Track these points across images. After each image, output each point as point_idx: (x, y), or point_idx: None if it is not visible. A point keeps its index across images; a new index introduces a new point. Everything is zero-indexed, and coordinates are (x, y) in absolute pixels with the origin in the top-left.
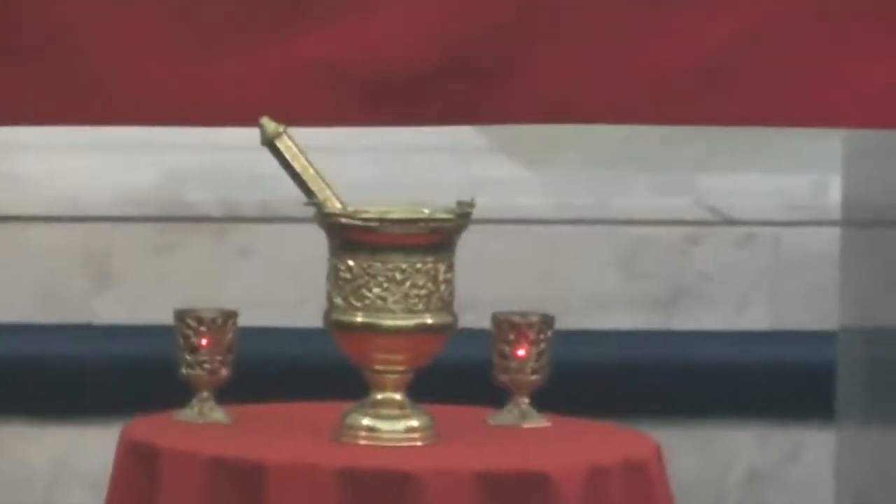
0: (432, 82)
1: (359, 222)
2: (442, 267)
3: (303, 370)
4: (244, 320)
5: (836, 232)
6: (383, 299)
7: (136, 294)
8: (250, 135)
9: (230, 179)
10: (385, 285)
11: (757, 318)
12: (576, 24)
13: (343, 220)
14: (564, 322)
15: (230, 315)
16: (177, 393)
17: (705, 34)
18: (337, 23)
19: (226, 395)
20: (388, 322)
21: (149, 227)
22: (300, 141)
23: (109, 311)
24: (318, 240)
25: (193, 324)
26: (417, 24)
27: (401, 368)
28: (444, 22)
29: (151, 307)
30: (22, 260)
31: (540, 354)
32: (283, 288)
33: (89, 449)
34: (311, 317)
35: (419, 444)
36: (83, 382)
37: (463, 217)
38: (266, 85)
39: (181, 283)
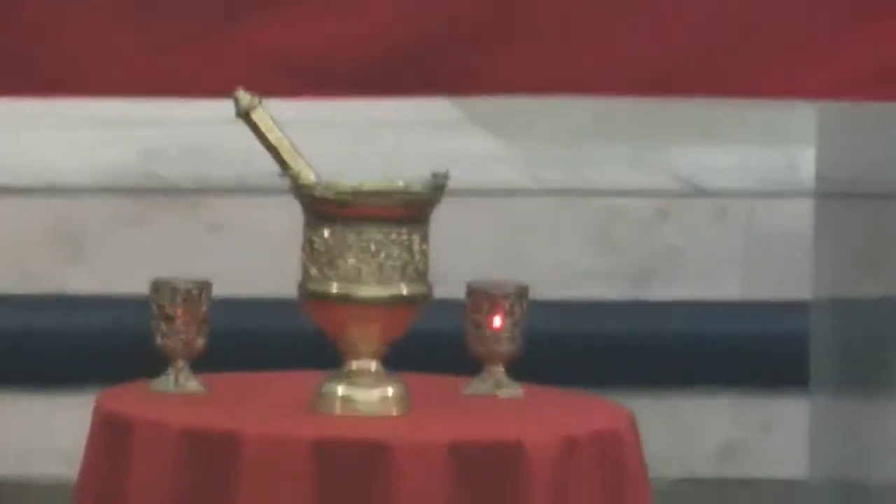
0: (407, 55)
1: (333, 195)
2: (416, 238)
3: (278, 340)
4: (219, 292)
5: (809, 204)
6: (358, 270)
7: (109, 267)
8: (223, 109)
9: (203, 153)
10: (360, 256)
11: (730, 290)
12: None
13: (317, 192)
14: (538, 293)
15: (205, 286)
16: (151, 364)
17: (681, 8)
18: None
19: (201, 365)
20: (363, 293)
21: (122, 200)
22: (274, 115)
23: (82, 283)
24: (292, 212)
25: (169, 294)
26: None
27: (375, 338)
28: None
29: (124, 280)
30: None
31: (514, 325)
32: (257, 260)
33: (63, 420)
34: (285, 288)
35: (394, 413)
36: (56, 354)
37: (437, 189)
38: (236, 62)
39: (154, 256)
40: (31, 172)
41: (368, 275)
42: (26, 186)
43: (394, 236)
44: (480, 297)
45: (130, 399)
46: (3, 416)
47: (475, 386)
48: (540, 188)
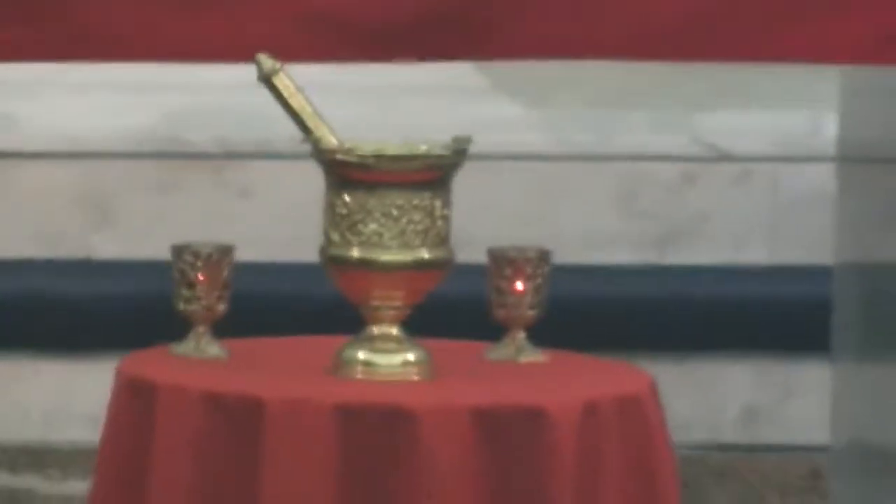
0: (431, 20)
1: (355, 159)
2: (438, 203)
3: (299, 306)
4: (241, 256)
5: (832, 168)
6: (380, 235)
7: (135, 232)
8: (248, 73)
9: (228, 118)
10: (382, 221)
11: (754, 255)
12: None
13: (339, 156)
14: (561, 258)
15: (227, 250)
16: (174, 328)
17: None
18: None
19: (222, 330)
20: (385, 257)
21: (147, 165)
22: (296, 80)
23: (107, 248)
24: (315, 177)
25: (190, 259)
26: None
27: (397, 304)
28: None
29: (149, 245)
30: (21, 197)
31: (537, 289)
32: (281, 224)
33: (86, 385)
34: (307, 253)
35: (415, 378)
36: (81, 318)
37: (459, 153)
38: (260, 25)
39: (179, 221)
40: (57, 138)
41: (390, 240)
42: (52, 151)
43: (416, 201)
44: (503, 262)
45: (152, 363)
46: (26, 381)
47: (497, 351)
48: (564, 153)
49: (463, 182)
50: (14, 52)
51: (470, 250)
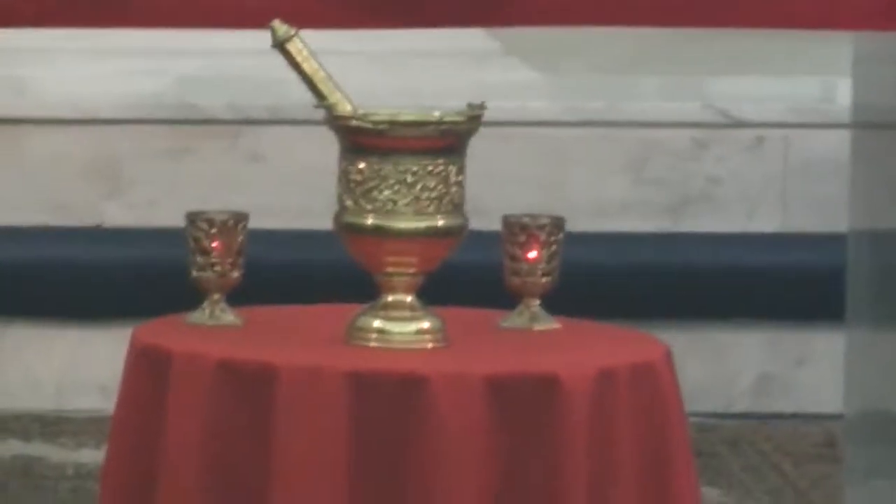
0: None
1: (369, 125)
2: (453, 169)
3: (313, 273)
4: (255, 223)
5: (845, 135)
6: (394, 202)
7: (147, 198)
8: (261, 39)
9: (241, 84)
10: (396, 188)
11: (766, 222)
12: None
13: (354, 122)
14: (574, 226)
15: (241, 217)
16: (188, 296)
17: None
18: None
19: (236, 298)
20: (399, 224)
21: (159, 131)
22: (311, 46)
23: (119, 215)
24: (329, 143)
25: (204, 226)
26: None
27: (411, 271)
28: None
29: (161, 211)
30: (33, 164)
31: (551, 257)
32: (294, 191)
33: (99, 353)
34: (321, 220)
35: (429, 346)
36: (94, 286)
37: (474, 120)
38: None
39: (191, 188)
40: (69, 104)
41: (404, 206)
42: (64, 118)
43: (430, 168)
44: (516, 230)
45: (166, 332)
46: (40, 349)
47: (511, 319)
48: (576, 119)
49: (475, 148)
50: (24, 18)
51: (482, 217)
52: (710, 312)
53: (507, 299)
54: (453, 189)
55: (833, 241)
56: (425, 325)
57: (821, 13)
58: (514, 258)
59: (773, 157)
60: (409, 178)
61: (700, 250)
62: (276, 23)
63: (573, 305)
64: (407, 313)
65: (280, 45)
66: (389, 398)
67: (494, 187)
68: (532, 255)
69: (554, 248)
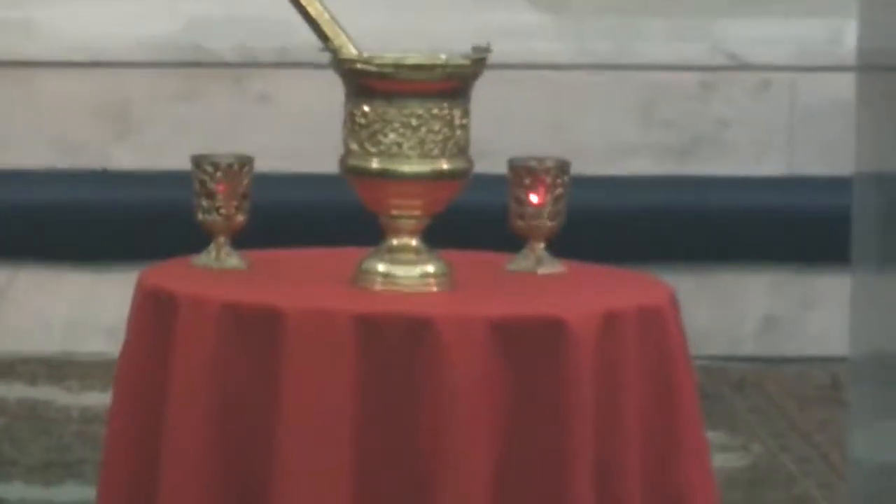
0: None
1: (374, 68)
2: (458, 112)
3: (319, 216)
4: (261, 166)
5: (851, 78)
6: (399, 145)
7: (154, 141)
8: None
9: (248, 26)
10: (401, 131)
11: (773, 165)
12: None
13: (359, 65)
14: (581, 169)
15: (246, 161)
16: (194, 239)
17: None
18: None
19: (242, 241)
20: (404, 168)
21: (167, 74)
22: None
23: (127, 158)
24: (335, 86)
25: (210, 169)
26: None
27: (417, 214)
28: None
29: (169, 154)
30: (40, 107)
31: (556, 200)
32: (300, 134)
33: (105, 296)
34: (327, 163)
35: (435, 289)
36: (100, 229)
37: (479, 62)
38: None
39: (199, 130)
40: (76, 47)
41: (409, 150)
42: (71, 61)
43: (435, 111)
44: (522, 173)
45: (172, 275)
46: (47, 292)
47: (517, 262)
48: (583, 62)
49: (480, 91)
50: None
51: (488, 160)
52: (716, 255)
53: (513, 242)
54: (458, 132)
55: (839, 183)
56: (430, 268)
57: None
58: (519, 201)
59: (780, 99)
60: (414, 122)
61: (707, 193)
62: None
63: (579, 248)
64: (412, 257)
65: None
66: (395, 341)
67: (502, 130)
68: (537, 198)
69: (559, 191)
